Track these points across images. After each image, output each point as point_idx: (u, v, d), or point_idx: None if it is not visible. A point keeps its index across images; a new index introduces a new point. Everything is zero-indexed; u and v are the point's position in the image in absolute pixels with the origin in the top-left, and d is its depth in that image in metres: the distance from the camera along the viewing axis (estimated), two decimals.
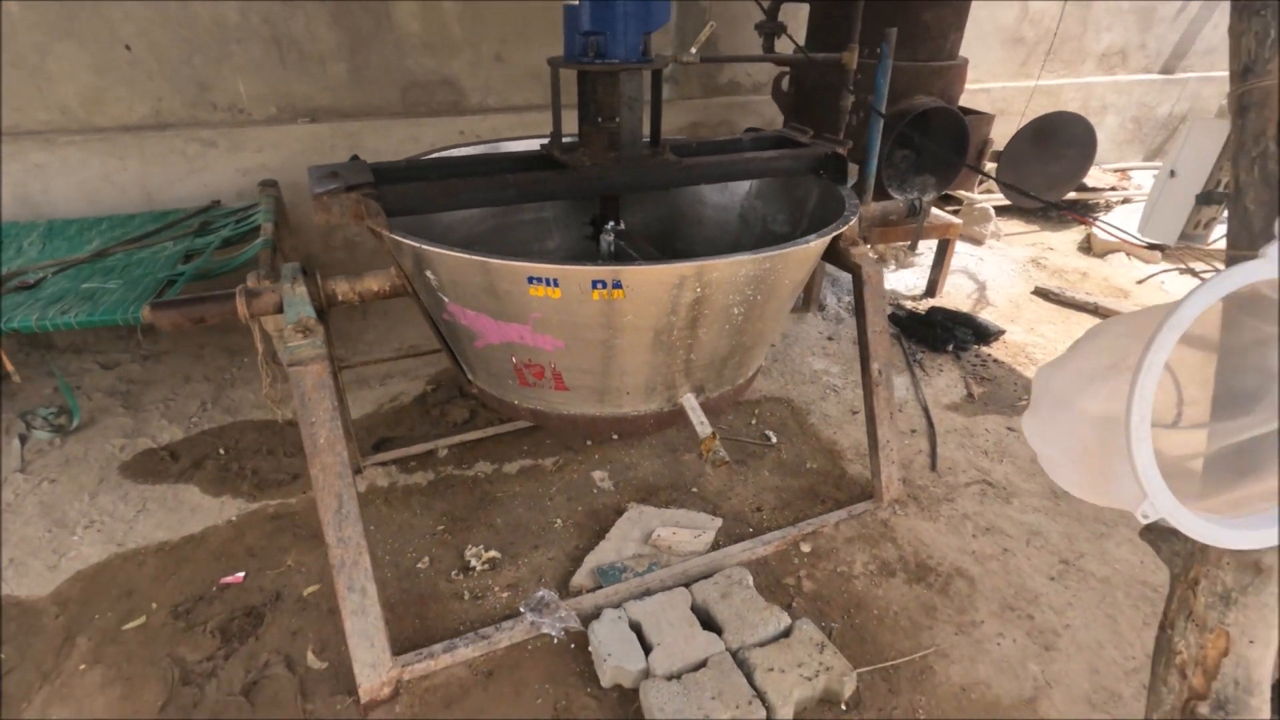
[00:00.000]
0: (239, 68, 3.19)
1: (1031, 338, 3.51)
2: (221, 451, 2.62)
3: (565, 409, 1.85)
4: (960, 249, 4.38)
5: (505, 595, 2.06)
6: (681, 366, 1.74)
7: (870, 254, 2.23)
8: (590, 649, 1.84)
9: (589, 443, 2.69)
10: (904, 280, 4.12)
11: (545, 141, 2.03)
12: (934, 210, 3.81)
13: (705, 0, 3.84)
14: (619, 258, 1.97)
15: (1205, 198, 0.85)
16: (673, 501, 2.42)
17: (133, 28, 2.95)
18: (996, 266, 4.27)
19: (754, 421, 2.86)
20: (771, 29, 3.42)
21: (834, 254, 2.24)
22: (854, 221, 2.15)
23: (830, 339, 3.48)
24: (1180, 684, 0.85)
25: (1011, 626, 1.98)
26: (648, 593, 1.99)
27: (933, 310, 3.60)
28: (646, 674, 1.75)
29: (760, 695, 1.68)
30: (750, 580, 2.02)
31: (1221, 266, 0.76)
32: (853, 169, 2.11)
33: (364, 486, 2.46)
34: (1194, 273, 3.98)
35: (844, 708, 1.75)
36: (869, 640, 1.93)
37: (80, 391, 2.91)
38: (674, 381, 1.78)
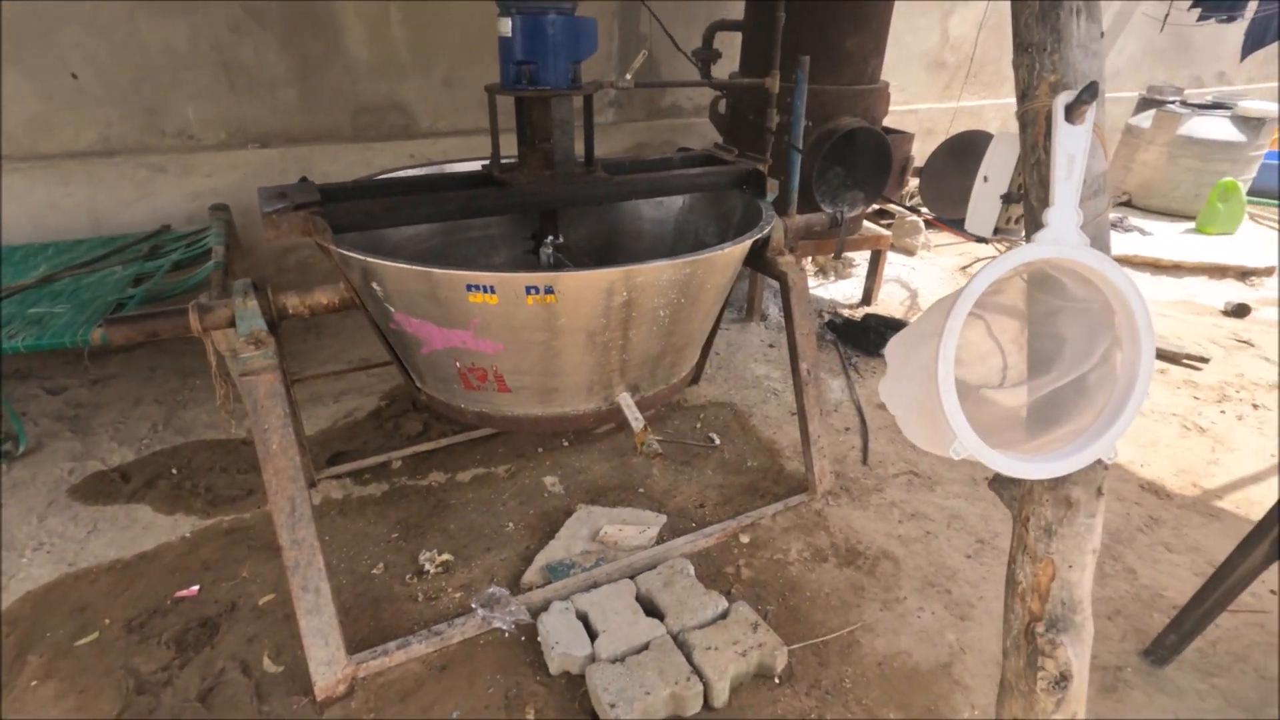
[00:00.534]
0: (189, 94, 3.25)
1: None
2: (174, 471, 2.65)
3: (509, 410, 1.96)
4: (894, 259, 4.64)
5: (459, 595, 2.14)
6: (616, 366, 1.87)
7: (795, 262, 2.40)
8: (539, 639, 1.93)
9: (540, 449, 2.79)
10: (842, 290, 4.34)
11: (487, 162, 2.16)
12: (866, 223, 4.05)
13: (645, 29, 4.05)
14: (558, 269, 2.10)
15: (1007, 197, 1.02)
16: (621, 501, 2.54)
17: (80, 56, 3.00)
18: (927, 275, 4.53)
19: (699, 425, 3.00)
20: (707, 56, 3.64)
21: (762, 263, 2.41)
22: (778, 232, 2.33)
23: (771, 346, 3.66)
24: (1022, 609, 0.99)
25: (931, 601, 2.14)
26: (595, 585, 2.10)
27: (868, 317, 3.82)
28: (592, 659, 1.85)
29: (698, 671, 1.80)
30: (691, 570, 2.15)
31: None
32: (776, 184, 2.28)
33: (319, 499, 2.51)
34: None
35: (777, 680, 1.87)
36: (802, 619, 2.07)
37: (26, 417, 2.90)
38: (610, 381, 1.91)
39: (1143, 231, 4.97)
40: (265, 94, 3.38)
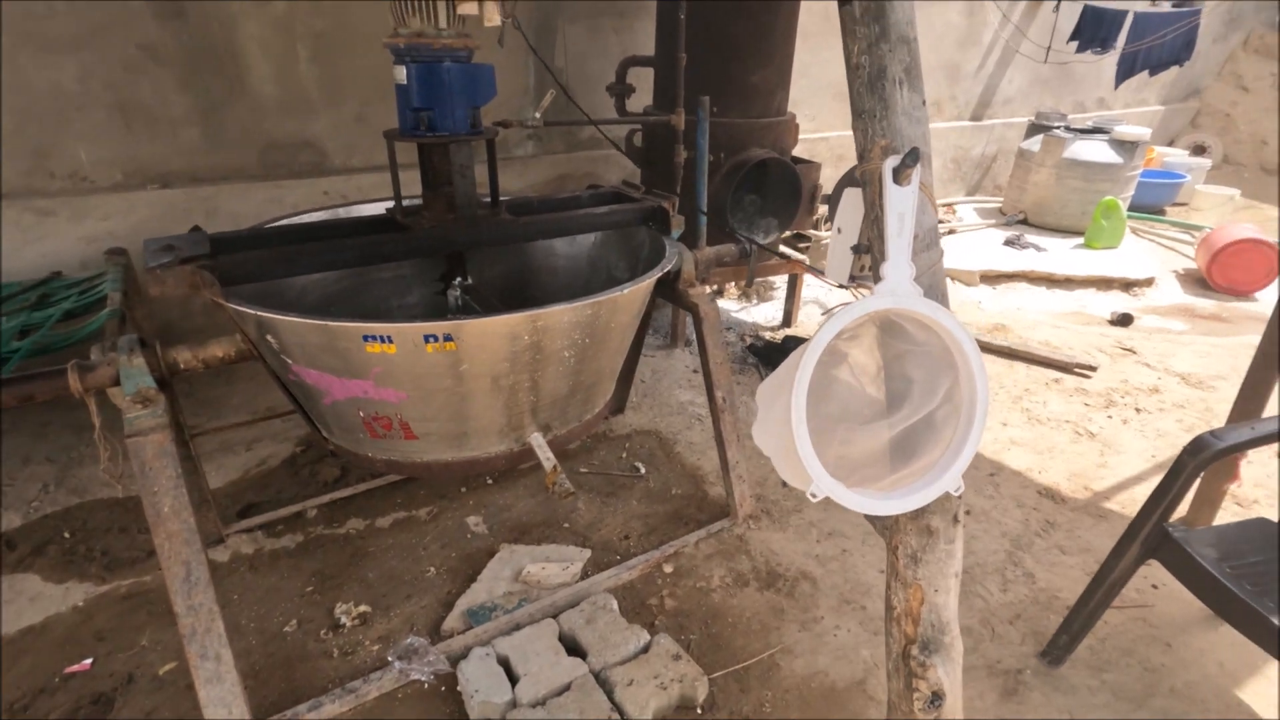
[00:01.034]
0: (80, 135, 3.11)
1: None
2: (67, 535, 2.49)
3: (418, 456, 1.94)
4: (812, 283, 4.81)
5: (376, 648, 2.08)
6: (526, 408, 1.88)
7: (707, 294, 2.47)
8: (459, 688, 1.90)
9: (463, 490, 2.76)
10: (764, 313, 4.47)
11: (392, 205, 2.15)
12: (782, 247, 4.20)
13: (560, 62, 4.12)
14: (466, 310, 2.10)
15: (857, 248, 1.10)
16: (545, 538, 2.52)
17: None
18: (842, 295, 4.72)
19: (624, 455, 3.03)
20: (621, 90, 3.72)
21: (675, 295, 2.47)
22: (688, 264, 2.40)
23: (695, 371, 3.73)
24: (899, 632, 1.05)
25: (847, 618, 2.21)
26: (517, 628, 2.08)
27: (787, 339, 3.94)
28: (513, 704, 1.83)
29: (619, 708, 1.81)
30: (614, 604, 2.15)
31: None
32: (681, 220, 2.35)
33: (227, 555, 2.41)
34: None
35: (700, 710, 1.90)
36: (724, 646, 2.10)
37: None
38: (521, 422, 1.92)
39: (1038, 248, 5.32)
40: (165, 133, 3.26)
